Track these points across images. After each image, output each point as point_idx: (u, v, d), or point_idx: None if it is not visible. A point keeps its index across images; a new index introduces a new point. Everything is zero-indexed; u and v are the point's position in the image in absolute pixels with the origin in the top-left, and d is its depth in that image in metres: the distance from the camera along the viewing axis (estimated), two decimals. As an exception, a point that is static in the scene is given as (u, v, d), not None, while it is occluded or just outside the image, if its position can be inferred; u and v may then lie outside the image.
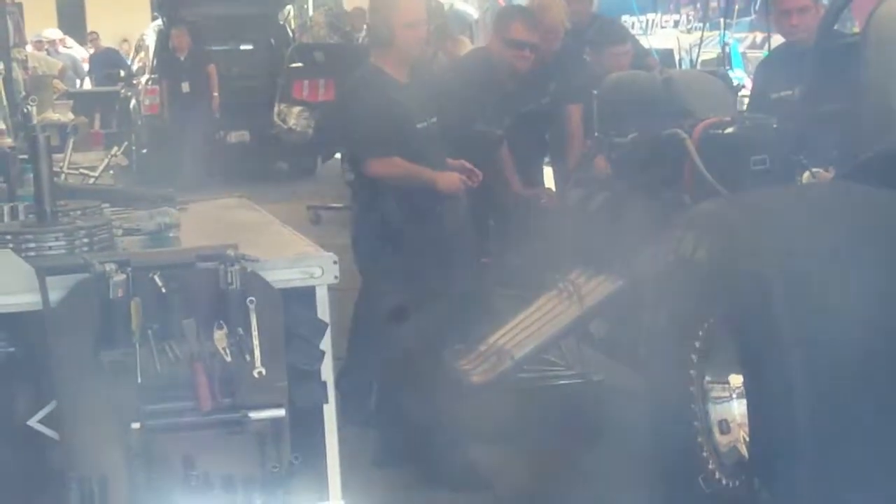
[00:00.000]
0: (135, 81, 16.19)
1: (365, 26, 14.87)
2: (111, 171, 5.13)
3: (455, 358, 5.91)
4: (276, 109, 14.88)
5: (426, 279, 5.31)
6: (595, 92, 6.37)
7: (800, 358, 3.59)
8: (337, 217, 11.32)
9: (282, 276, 3.22)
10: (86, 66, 22.26)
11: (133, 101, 15.88)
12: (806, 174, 4.83)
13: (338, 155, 14.95)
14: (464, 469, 5.28)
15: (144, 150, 15.06)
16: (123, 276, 3.05)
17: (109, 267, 3.05)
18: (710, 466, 4.12)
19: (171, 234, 3.70)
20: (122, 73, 16.97)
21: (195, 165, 13.86)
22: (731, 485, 4.02)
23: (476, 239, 6.00)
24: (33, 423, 3.11)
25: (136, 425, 3.05)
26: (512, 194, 6.81)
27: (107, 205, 3.86)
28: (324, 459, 3.33)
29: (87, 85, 21.02)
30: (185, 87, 14.70)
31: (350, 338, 6.04)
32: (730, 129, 5.34)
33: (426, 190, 5.38)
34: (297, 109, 14.77)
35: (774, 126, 5.16)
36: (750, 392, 3.87)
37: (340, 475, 3.35)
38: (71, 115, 8.74)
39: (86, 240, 3.29)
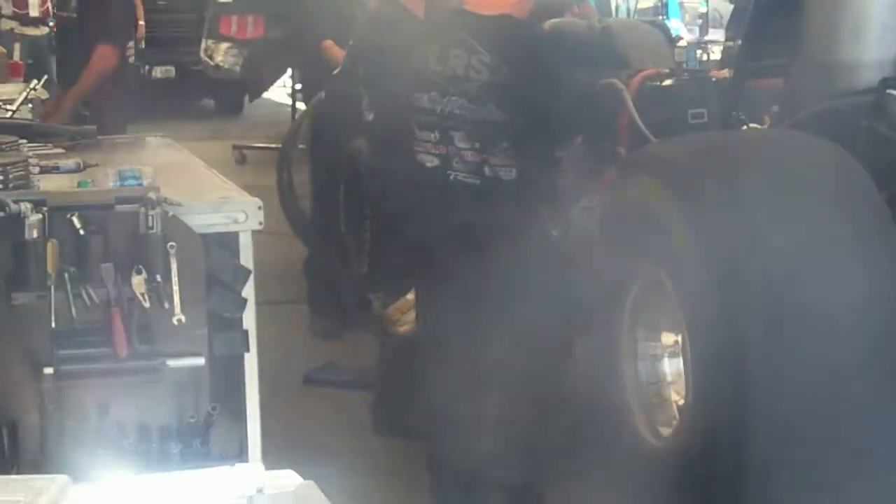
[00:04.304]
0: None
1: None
2: (30, 105, 4.94)
3: (382, 306, 5.81)
4: (203, 45, 14.60)
5: None
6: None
7: (746, 313, 3.49)
8: (262, 157, 11.12)
9: (204, 220, 3.13)
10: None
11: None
12: (743, 129, 4.77)
13: (266, 94, 14.76)
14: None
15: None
16: (39, 216, 2.94)
17: (24, 206, 2.94)
18: (640, 424, 4.05)
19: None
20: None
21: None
22: (660, 443, 3.96)
23: None
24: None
25: (49, 370, 2.96)
26: None
27: (24, 140, 3.72)
28: (244, 410, 3.24)
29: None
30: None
31: None
32: (668, 82, 5.26)
33: None
34: (224, 46, 14.49)
35: (713, 80, 5.10)
36: (691, 350, 3.74)
37: (261, 426, 3.27)
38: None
39: (0, 177, 3.17)
